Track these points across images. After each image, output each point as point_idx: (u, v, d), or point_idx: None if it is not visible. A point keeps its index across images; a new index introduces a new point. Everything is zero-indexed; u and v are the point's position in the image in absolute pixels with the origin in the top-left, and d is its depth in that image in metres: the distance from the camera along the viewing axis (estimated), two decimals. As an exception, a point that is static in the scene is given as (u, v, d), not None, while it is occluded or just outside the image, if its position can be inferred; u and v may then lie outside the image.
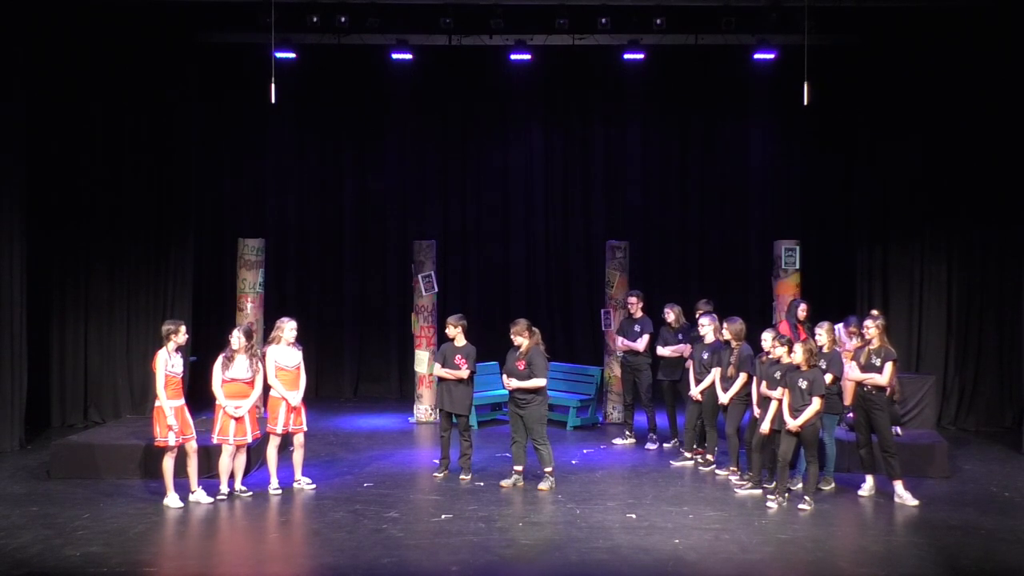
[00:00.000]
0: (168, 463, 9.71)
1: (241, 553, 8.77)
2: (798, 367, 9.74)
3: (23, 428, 12.70)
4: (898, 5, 13.43)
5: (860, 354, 10.13)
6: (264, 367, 10.24)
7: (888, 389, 10.21)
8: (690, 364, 11.74)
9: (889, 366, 9.93)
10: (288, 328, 10.44)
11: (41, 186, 13.49)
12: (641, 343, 12.63)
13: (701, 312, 11.86)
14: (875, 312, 10.62)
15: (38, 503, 9.91)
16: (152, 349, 13.60)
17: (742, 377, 10.65)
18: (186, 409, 9.91)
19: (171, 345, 9.77)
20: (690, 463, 11.51)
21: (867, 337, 10.14)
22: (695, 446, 11.69)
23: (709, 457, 11.41)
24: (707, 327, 11.32)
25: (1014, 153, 13.56)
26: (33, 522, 9.23)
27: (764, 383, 10.08)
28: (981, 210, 13.88)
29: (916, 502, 9.86)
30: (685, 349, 12.28)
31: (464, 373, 10.87)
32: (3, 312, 12.44)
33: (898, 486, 9.98)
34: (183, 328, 9.91)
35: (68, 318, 13.90)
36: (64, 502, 9.90)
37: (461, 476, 10.88)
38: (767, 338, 10.27)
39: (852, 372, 10.16)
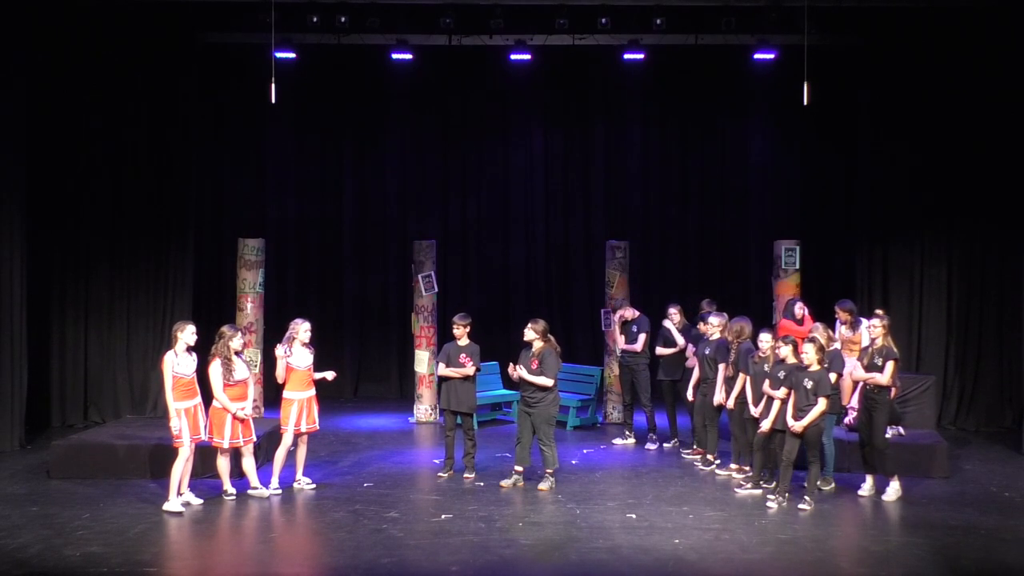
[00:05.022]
0: (177, 467, 9.62)
1: (241, 553, 8.78)
2: (807, 367, 9.74)
3: (23, 428, 12.70)
4: (898, 5, 13.44)
5: (864, 354, 10.14)
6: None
7: (892, 388, 10.21)
8: (693, 362, 11.74)
9: (890, 365, 9.93)
10: (303, 330, 10.42)
11: (41, 186, 13.48)
12: (639, 343, 12.64)
13: (705, 312, 11.87)
14: (880, 312, 10.57)
15: (38, 503, 9.91)
16: (152, 349, 13.75)
17: (741, 377, 10.66)
18: (199, 408, 9.81)
19: (179, 346, 9.70)
20: (698, 457, 11.63)
21: (871, 336, 10.14)
22: (695, 446, 11.77)
23: (709, 457, 11.42)
24: (715, 326, 11.32)
25: (1014, 153, 13.56)
26: (33, 522, 9.23)
27: (767, 382, 10.07)
28: (981, 210, 13.87)
29: (894, 497, 9.92)
30: (685, 347, 12.30)
31: (470, 370, 10.91)
32: (3, 312, 12.44)
33: (892, 483, 10.02)
34: (189, 328, 9.76)
35: (68, 318, 13.90)
36: (64, 502, 9.89)
37: (465, 475, 10.90)
38: (765, 339, 10.30)
39: (857, 372, 10.17)
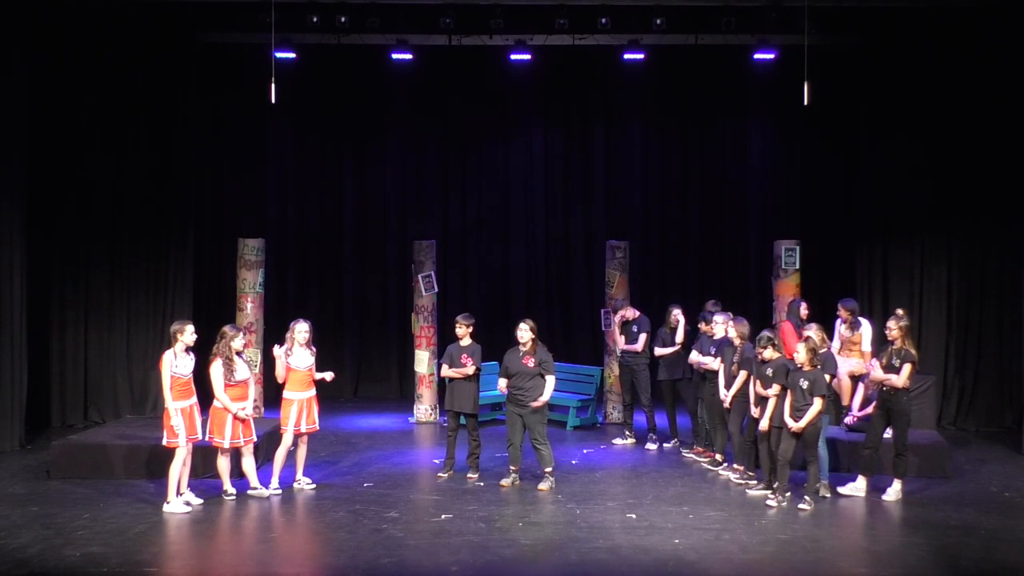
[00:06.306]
0: (174, 467, 9.61)
1: (241, 553, 8.78)
2: (800, 367, 9.74)
3: (23, 428, 12.70)
4: (898, 5, 13.44)
5: (883, 355, 10.10)
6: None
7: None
8: (696, 357, 11.67)
9: (906, 368, 9.88)
10: (299, 330, 10.42)
11: (41, 186, 13.48)
12: (639, 343, 12.64)
13: (708, 311, 11.87)
14: (900, 312, 10.51)
15: (38, 503, 9.91)
16: (152, 349, 13.73)
17: (742, 375, 10.64)
18: (195, 409, 9.81)
19: (179, 346, 9.68)
20: (702, 459, 11.63)
21: (889, 337, 10.10)
22: (695, 445, 11.79)
23: (718, 457, 11.39)
24: (720, 324, 11.31)
25: (1014, 153, 13.56)
26: (33, 522, 9.23)
27: (759, 382, 10.07)
28: (981, 210, 13.87)
29: (894, 498, 9.93)
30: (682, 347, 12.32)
31: (470, 370, 10.90)
32: (3, 312, 12.44)
33: (895, 483, 10.00)
34: (189, 328, 9.73)
35: (68, 318, 13.90)
36: (64, 502, 9.90)
37: (469, 475, 10.88)
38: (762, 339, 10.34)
39: (875, 372, 10.14)
